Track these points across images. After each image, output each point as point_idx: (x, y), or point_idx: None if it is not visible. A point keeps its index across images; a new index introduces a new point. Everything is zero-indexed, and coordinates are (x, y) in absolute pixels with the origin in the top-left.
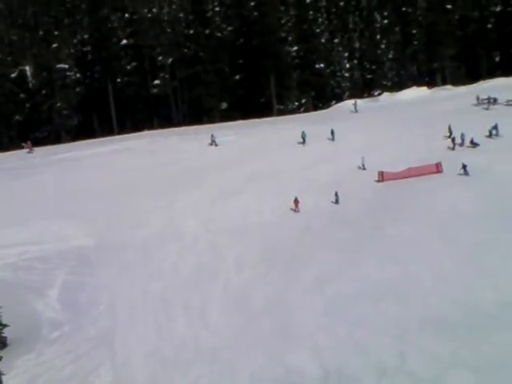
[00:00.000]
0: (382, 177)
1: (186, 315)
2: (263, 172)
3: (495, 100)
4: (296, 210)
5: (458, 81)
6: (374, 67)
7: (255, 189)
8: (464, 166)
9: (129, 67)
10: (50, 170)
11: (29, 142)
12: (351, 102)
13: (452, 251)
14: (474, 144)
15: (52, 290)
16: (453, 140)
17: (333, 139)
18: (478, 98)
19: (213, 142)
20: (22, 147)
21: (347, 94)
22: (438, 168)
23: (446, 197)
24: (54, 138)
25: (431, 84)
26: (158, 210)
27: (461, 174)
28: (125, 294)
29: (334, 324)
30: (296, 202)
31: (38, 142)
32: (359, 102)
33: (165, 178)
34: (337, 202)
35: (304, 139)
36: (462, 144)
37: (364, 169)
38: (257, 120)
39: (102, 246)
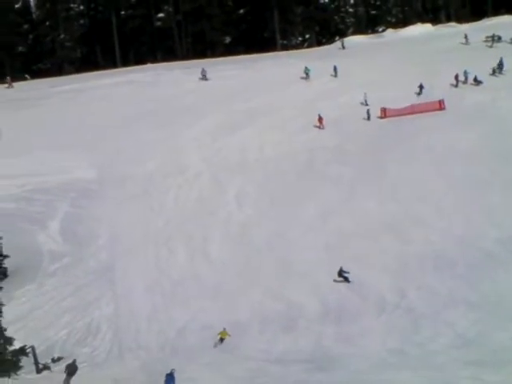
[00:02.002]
0: (384, 113)
1: (186, 250)
2: (266, 107)
3: (499, 38)
4: (321, 126)
5: (462, 18)
6: (378, 3)
7: (258, 124)
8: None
9: (133, 0)
10: (52, 101)
11: (8, 78)
12: (346, 39)
13: (454, 189)
14: (477, 82)
15: (53, 221)
16: (456, 77)
17: (335, 75)
18: (466, 37)
19: (203, 77)
20: (26, 78)
21: (351, 29)
22: (440, 105)
23: (448, 134)
24: (57, 69)
25: (436, 21)
26: (161, 144)
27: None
28: (126, 227)
29: (334, 261)
30: (320, 119)
31: (41, 74)
32: (363, 37)
33: (167, 111)
34: (368, 118)
35: (307, 74)
36: (465, 81)
37: (367, 105)
38: (260, 55)
39: (103, 179)
